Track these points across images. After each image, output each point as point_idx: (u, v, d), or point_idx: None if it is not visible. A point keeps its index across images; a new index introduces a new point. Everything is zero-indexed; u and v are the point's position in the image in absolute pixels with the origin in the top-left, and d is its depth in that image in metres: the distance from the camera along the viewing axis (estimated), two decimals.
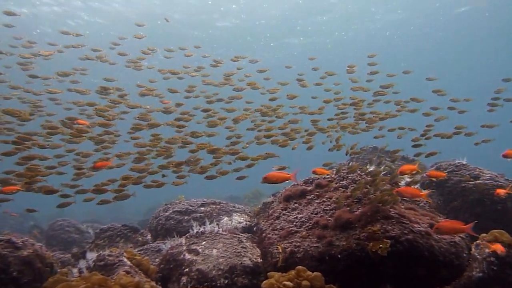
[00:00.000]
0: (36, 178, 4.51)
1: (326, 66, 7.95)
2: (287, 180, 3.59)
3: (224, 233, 4.46)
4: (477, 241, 3.32)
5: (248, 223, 5.68)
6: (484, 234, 3.35)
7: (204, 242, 4.20)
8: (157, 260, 4.74)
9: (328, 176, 4.04)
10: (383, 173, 4.10)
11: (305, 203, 3.80)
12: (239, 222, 5.65)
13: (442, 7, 17.81)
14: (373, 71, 6.97)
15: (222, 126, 6.35)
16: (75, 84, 7.56)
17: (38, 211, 5.65)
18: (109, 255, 3.74)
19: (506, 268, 3.04)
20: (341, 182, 3.88)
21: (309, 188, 3.99)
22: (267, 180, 3.60)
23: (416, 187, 4.19)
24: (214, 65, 7.87)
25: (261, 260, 3.82)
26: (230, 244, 4.17)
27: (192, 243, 4.18)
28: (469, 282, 3.09)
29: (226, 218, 5.71)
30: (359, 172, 4.01)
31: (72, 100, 6.83)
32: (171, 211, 5.78)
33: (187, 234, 4.42)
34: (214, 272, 3.66)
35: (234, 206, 6.11)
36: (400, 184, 4.18)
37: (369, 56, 7.47)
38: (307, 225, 3.46)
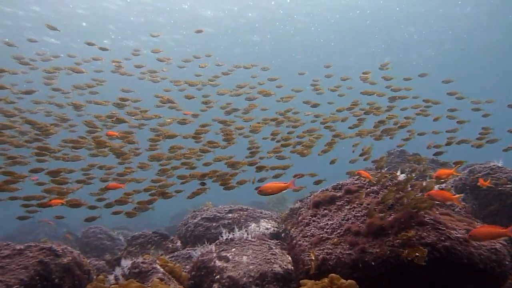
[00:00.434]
0: (66, 191, 4.72)
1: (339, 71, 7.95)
2: (285, 190, 3.56)
3: (253, 239, 4.48)
4: None
5: (275, 229, 5.69)
6: None
7: (233, 249, 4.23)
8: (187, 267, 4.82)
9: (357, 182, 3.99)
10: (414, 178, 4.01)
11: (335, 209, 3.76)
12: (267, 228, 5.66)
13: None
14: (386, 76, 6.93)
15: (238, 135, 6.43)
16: (94, 95, 7.80)
17: (66, 218, 5.90)
18: (143, 263, 3.84)
19: None
20: (371, 188, 3.82)
21: (338, 194, 3.95)
22: (262, 193, 3.53)
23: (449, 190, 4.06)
24: (226, 73, 8.02)
25: (292, 267, 3.80)
26: (259, 250, 4.18)
27: (222, 250, 4.22)
28: None
29: (253, 225, 5.74)
30: (389, 177, 3.93)
31: (94, 114, 7.10)
32: (199, 218, 5.87)
33: (216, 241, 4.47)
34: (245, 279, 3.68)
35: (261, 212, 6.13)
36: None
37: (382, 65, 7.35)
38: (338, 231, 3.42)
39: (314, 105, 7.01)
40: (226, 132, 5.99)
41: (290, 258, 4.03)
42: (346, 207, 3.71)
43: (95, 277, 4.24)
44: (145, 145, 6.12)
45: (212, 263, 4.00)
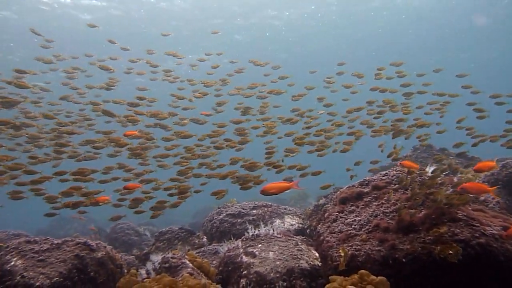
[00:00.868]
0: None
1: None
2: (289, 190, 3.65)
3: (279, 235, 4.51)
4: None
5: (300, 225, 5.69)
6: None
7: (260, 245, 4.27)
8: (214, 262, 4.91)
9: (385, 178, 3.93)
10: (443, 173, 3.92)
11: (363, 205, 3.73)
12: (291, 225, 5.68)
13: None
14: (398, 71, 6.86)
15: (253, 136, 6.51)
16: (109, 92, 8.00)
17: (88, 212, 6.16)
18: (172, 258, 3.94)
19: None
20: (400, 184, 3.75)
21: (365, 190, 3.91)
22: (265, 193, 3.61)
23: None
24: (238, 71, 8.07)
25: (319, 263, 3.81)
26: (285, 246, 4.21)
27: (249, 246, 4.26)
28: None
29: (278, 221, 5.77)
30: (418, 173, 3.86)
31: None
32: (224, 214, 5.95)
33: (242, 237, 4.52)
34: (272, 274, 3.71)
35: (285, 209, 6.15)
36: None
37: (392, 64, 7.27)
38: (366, 228, 3.39)
39: (327, 105, 7.04)
40: (241, 132, 6.07)
41: (316, 254, 4.03)
42: (374, 203, 3.67)
43: (126, 271, 4.39)
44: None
45: (239, 258, 4.05)
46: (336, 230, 3.59)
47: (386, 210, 3.48)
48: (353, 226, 3.50)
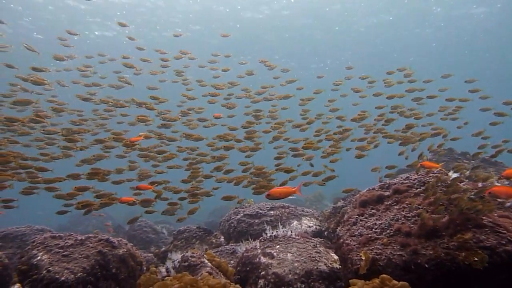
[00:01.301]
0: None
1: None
2: (292, 195, 3.81)
3: (296, 237, 4.50)
4: None
5: (317, 227, 5.66)
6: None
7: (278, 246, 4.27)
8: (232, 262, 4.94)
9: (406, 181, 3.87)
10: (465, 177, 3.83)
11: (383, 209, 3.68)
12: (309, 226, 5.65)
13: None
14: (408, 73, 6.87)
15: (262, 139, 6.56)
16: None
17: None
18: (191, 256, 3.99)
19: None
20: (422, 188, 3.69)
21: (386, 194, 3.86)
22: (270, 197, 3.80)
23: None
24: (249, 73, 8.10)
25: (337, 266, 3.78)
26: (304, 248, 4.19)
27: (267, 247, 4.27)
28: None
29: (295, 222, 5.75)
30: (441, 177, 3.78)
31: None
32: (242, 214, 5.98)
33: (260, 238, 4.53)
34: (290, 276, 3.70)
35: (303, 210, 6.12)
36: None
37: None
38: (387, 231, 3.35)
39: (334, 110, 7.06)
40: (249, 136, 6.12)
41: (335, 256, 4.00)
42: (395, 207, 3.62)
43: (145, 268, 4.47)
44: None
45: (257, 259, 4.06)
46: (356, 233, 3.56)
47: (408, 214, 3.43)
48: (373, 230, 3.46)
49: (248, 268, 4.11)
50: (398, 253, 3.07)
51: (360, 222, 3.67)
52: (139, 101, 6.11)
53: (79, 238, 4.00)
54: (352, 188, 4.33)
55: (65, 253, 3.70)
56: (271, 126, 6.36)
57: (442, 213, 3.22)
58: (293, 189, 3.76)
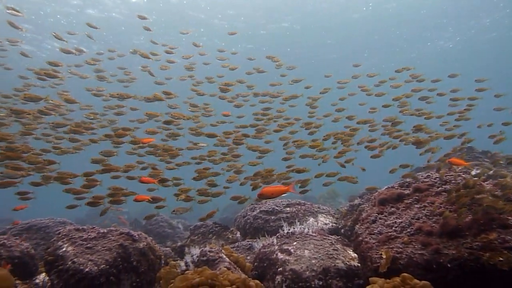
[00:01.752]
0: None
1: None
2: (285, 193, 3.80)
3: (313, 234, 4.50)
4: None
5: (334, 224, 5.65)
6: None
7: (295, 243, 4.29)
8: (248, 257, 4.98)
9: (427, 180, 3.82)
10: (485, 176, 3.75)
11: (403, 207, 3.65)
12: (325, 224, 5.64)
13: None
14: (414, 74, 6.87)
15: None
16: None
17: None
18: (210, 251, 4.04)
19: None
20: (443, 187, 3.64)
21: (406, 192, 3.82)
22: (262, 196, 3.79)
23: None
24: (260, 71, 8.12)
25: (355, 263, 3.77)
26: (321, 245, 4.19)
27: (284, 243, 4.29)
28: None
29: (312, 219, 5.75)
30: (463, 175, 3.72)
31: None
32: (258, 210, 6.01)
33: (277, 234, 4.55)
34: (307, 273, 3.71)
35: (319, 207, 6.11)
36: None
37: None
38: (408, 230, 3.32)
39: (340, 110, 7.07)
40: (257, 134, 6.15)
41: (352, 254, 3.99)
42: (416, 205, 3.58)
43: (163, 262, 4.56)
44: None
45: (274, 255, 4.08)
46: (375, 231, 3.54)
47: (429, 213, 3.39)
48: (393, 228, 3.44)
49: (265, 264, 4.14)
50: (419, 252, 3.04)
51: (380, 220, 3.64)
52: (159, 96, 6.17)
53: (101, 231, 4.10)
54: (375, 186, 4.29)
55: (88, 245, 3.81)
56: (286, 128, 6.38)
57: (465, 213, 3.17)
58: (286, 187, 3.77)
